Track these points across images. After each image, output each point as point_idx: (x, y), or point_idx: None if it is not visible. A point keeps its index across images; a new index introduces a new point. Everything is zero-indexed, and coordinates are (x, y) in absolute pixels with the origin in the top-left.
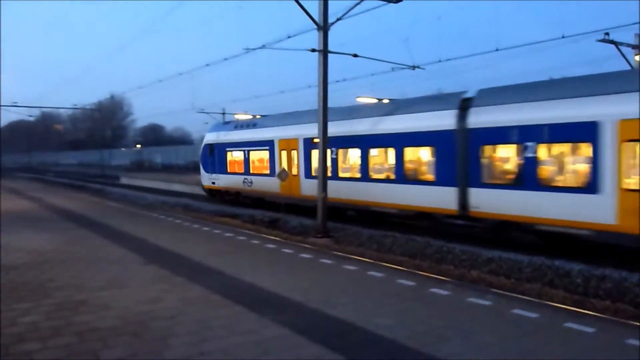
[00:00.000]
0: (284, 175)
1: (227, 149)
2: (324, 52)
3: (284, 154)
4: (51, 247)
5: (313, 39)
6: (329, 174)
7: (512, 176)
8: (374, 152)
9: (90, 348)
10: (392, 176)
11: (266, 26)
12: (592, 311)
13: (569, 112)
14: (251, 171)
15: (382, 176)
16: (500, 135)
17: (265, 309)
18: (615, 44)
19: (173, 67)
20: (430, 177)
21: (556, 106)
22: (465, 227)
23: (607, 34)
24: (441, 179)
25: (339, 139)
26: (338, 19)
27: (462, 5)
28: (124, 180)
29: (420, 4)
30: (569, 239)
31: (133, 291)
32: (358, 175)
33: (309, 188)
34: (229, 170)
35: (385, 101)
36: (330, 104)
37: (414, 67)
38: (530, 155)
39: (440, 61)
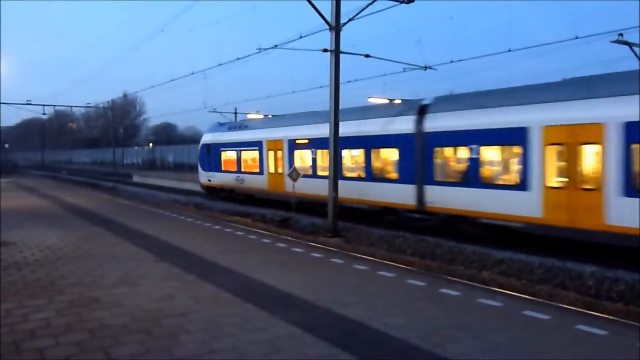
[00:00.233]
0: (295, 174)
1: (222, 149)
2: (336, 52)
3: (271, 154)
4: (64, 244)
5: (325, 39)
6: (309, 173)
7: (459, 175)
8: (347, 153)
9: (101, 345)
10: (363, 175)
11: (279, 26)
12: (604, 313)
13: (505, 119)
14: (243, 169)
15: (354, 175)
16: (449, 138)
17: (275, 307)
18: (629, 44)
19: (186, 67)
20: (394, 175)
21: (495, 113)
22: (422, 220)
23: (621, 34)
24: (403, 178)
25: (318, 141)
26: (350, 20)
27: (474, 6)
28: (136, 179)
29: (432, 5)
30: (507, 231)
31: (145, 289)
32: None
33: (293, 185)
34: (223, 169)
35: (397, 101)
36: (342, 104)
37: (425, 68)
38: (474, 156)
39: (452, 62)
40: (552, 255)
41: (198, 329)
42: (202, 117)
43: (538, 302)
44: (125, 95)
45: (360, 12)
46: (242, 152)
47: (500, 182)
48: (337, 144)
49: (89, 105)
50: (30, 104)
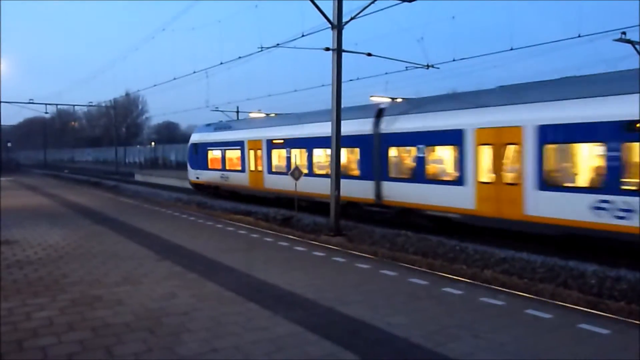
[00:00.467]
0: (297, 173)
1: (208, 148)
2: (338, 51)
3: (251, 153)
4: (66, 242)
5: (327, 37)
6: (284, 170)
7: (409, 172)
8: (317, 152)
9: (104, 343)
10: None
11: (281, 25)
12: (607, 313)
13: (445, 122)
14: (227, 167)
15: (323, 172)
16: (400, 139)
17: (278, 306)
18: (632, 43)
19: (188, 66)
20: (356, 172)
21: (438, 117)
22: (380, 213)
23: (624, 33)
24: (363, 175)
25: (292, 141)
26: (352, 18)
27: (476, 5)
28: (139, 178)
29: (434, 4)
30: (447, 221)
31: (147, 287)
32: (306, 171)
33: (271, 182)
34: (210, 167)
35: (399, 100)
36: (344, 103)
37: (427, 67)
38: (420, 155)
39: (454, 60)
40: (554, 254)
41: (200, 327)
42: (204, 116)
43: (540, 301)
44: (127, 94)
45: (362, 10)
46: (227, 151)
47: (442, 178)
48: (339, 143)
49: (91, 104)
50: (32, 103)
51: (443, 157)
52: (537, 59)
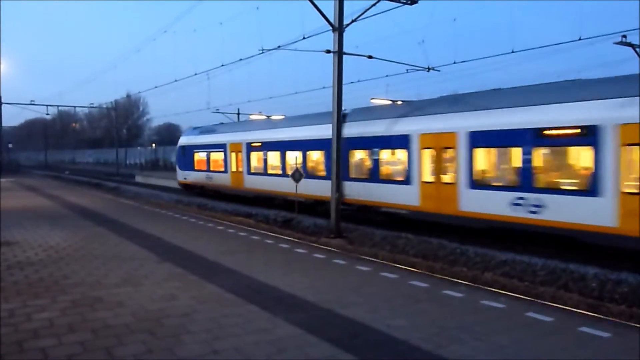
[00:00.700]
0: (297, 175)
1: (195, 151)
2: (339, 53)
3: (233, 155)
4: (67, 244)
5: (328, 40)
6: (262, 171)
7: (365, 172)
8: (289, 154)
9: (104, 345)
10: None
11: (282, 28)
12: (608, 316)
13: (396, 128)
14: (212, 169)
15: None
16: (359, 143)
17: (278, 308)
18: (633, 46)
19: (189, 68)
20: (323, 173)
21: (390, 123)
22: (343, 210)
23: (625, 36)
24: (329, 175)
25: (269, 144)
26: (353, 21)
27: (477, 7)
28: (139, 179)
29: (435, 6)
30: (400, 217)
31: (147, 289)
32: (280, 172)
33: (250, 182)
34: (196, 168)
35: (399, 103)
36: (345, 105)
37: (428, 69)
38: (375, 157)
39: (455, 63)
40: (555, 257)
41: (201, 329)
42: (206, 118)
43: (541, 303)
44: (128, 96)
45: (363, 13)
46: (211, 153)
47: (393, 178)
48: (340, 145)
49: (92, 105)
50: (33, 104)
51: (394, 160)
52: (539, 61)
